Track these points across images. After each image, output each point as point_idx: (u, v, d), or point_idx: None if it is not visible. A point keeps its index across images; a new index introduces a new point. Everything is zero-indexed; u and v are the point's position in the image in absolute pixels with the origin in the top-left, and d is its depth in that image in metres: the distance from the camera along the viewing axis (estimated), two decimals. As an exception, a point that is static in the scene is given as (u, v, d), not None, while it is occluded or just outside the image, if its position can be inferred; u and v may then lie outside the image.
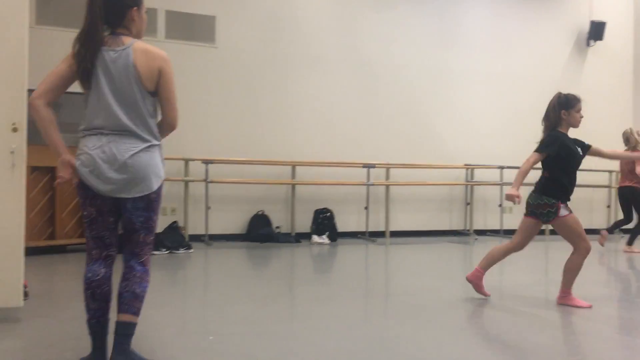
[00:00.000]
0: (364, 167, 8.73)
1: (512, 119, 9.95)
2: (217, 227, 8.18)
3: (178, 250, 6.97)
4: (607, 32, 10.64)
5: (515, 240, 4.42)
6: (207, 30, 8.46)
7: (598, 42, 10.74)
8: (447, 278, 5.54)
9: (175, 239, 7.08)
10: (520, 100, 10.13)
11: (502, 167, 9.42)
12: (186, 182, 7.84)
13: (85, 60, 2.48)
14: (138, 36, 2.63)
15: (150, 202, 2.59)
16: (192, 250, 7.03)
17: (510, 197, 4.11)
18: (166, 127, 2.67)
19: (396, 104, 9.49)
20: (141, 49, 2.54)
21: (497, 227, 9.75)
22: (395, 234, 9.08)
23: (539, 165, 4.32)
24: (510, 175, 9.88)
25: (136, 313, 2.56)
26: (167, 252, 6.86)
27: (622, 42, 11.13)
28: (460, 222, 9.84)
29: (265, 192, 8.61)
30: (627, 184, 7.87)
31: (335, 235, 8.63)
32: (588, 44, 10.80)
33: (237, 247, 7.71)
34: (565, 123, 4.28)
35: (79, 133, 2.58)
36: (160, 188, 2.63)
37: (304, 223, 8.69)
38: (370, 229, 8.98)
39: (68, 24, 7.43)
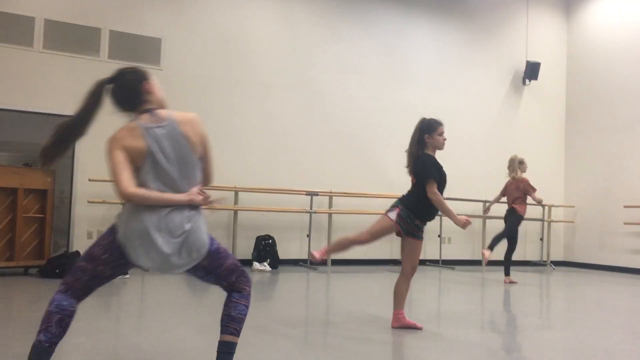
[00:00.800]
0: (307, 194, 8.76)
1: (454, 152, 10.19)
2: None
3: (113, 275, 6.72)
4: (542, 72, 11.17)
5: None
6: (152, 52, 8.37)
7: (533, 81, 11.26)
8: (386, 307, 5.57)
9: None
10: (462, 134, 10.45)
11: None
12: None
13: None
14: (162, 105, 2.65)
15: (210, 263, 2.65)
16: (127, 276, 6.81)
17: (465, 223, 4.21)
18: (207, 183, 2.81)
19: (341, 133, 9.61)
20: (184, 120, 2.61)
21: (436, 257, 9.92)
22: (337, 262, 9.10)
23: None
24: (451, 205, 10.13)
25: (234, 333, 2.70)
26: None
27: (555, 82, 11.70)
28: (400, 252, 9.94)
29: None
30: (514, 205, 7.97)
31: (277, 263, 8.57)
32: (524, 83, 11.31)
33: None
34: (429, 146, 4.46)
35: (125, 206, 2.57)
36: (210, 246, 2.65)
37: (245, 250, 8.59)
38: (311, 257, 8.97)
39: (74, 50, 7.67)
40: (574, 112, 11.60)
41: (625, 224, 10.15)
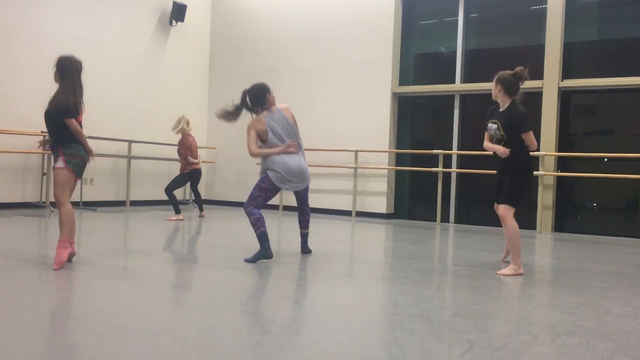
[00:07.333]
0: None
1: (99, 88, 9.67)
2: None
3: None
4: (188, 15, 11.33)
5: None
6: None
7: (180, 23, 11.34)
8: (19, 253, 5.04)
9: None
10: (108, 70, 9.96)
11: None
12: None
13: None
14: (274, 105, 5.04)
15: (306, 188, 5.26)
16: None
17: None
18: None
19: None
20: (283, 107, 5.06)
21: (77, 199, 9.40)
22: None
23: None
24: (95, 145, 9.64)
25: (308, 227, 5.41)
26: None
27: (200, 25, 12.01)
28: (35, 194, 9.12)
29: None
30: (191, 168, 8.75)
31: None
32: (171, 24, 11.30)
33: None
34: None
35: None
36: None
37: None
38: None
39: None
40: (218, 57, 12.15)
41: (257, 164, 11.21)
